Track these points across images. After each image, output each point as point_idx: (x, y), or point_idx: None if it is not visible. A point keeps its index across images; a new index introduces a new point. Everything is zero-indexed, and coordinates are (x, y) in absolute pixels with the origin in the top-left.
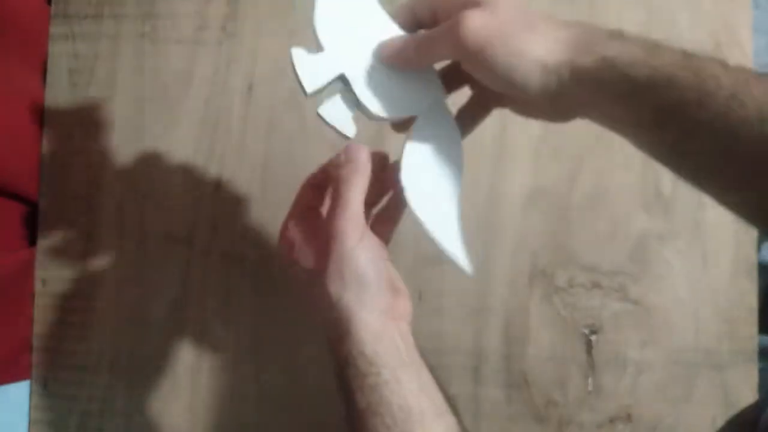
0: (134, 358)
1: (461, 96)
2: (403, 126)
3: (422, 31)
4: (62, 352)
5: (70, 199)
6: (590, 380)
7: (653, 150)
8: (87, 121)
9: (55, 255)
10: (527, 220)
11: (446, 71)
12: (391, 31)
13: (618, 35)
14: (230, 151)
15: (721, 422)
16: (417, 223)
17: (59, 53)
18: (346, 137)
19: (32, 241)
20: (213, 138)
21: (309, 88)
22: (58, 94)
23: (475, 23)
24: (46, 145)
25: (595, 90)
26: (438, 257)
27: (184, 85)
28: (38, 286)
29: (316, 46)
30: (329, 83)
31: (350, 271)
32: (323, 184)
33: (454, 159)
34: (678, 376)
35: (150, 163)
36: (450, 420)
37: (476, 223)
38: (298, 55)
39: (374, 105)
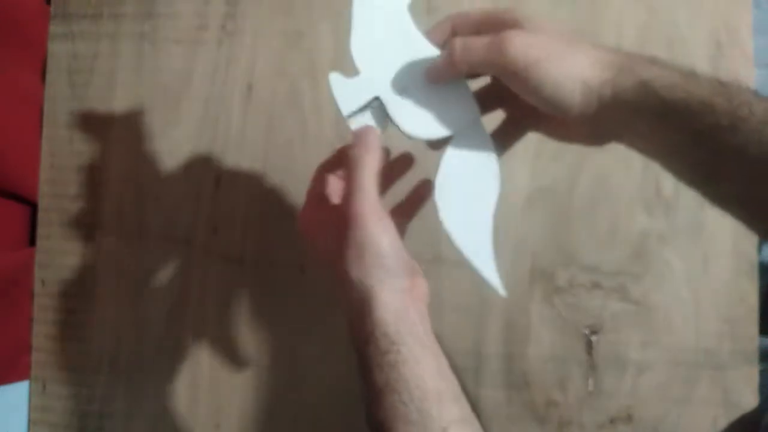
0: (134, 359)
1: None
2: (439, 144)
3: (460, 38)
4: (62, 353)
5: (69, 199)
6: (591, 381)
7: (685, 174)
8: (86, 121)
9: (54, 255)
10: (528, 221)
11: (481, 93)
12: (426, 51)
13: (656, 61)
14: (230, 150)
15: (722, 423)
16: (450, 241)
17: (59, 53)
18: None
19: (32, 241)
20: (212, 138)
21: (346, 111)
22: (58, 93)
23: (522, 42)
24: (45, 145)
25: (633, 111)
26: (438, 257)
27: (183, 84)
28: (38, 287)
29: (353, 70)
30: (365, 105)
31: (371, 254)
32: (337, 168)
33: (489, 179)
34: (679, 376)
35: (149, 163)
36: (465, 406)
37: None
38: (335, 79)
39: (409, 125)
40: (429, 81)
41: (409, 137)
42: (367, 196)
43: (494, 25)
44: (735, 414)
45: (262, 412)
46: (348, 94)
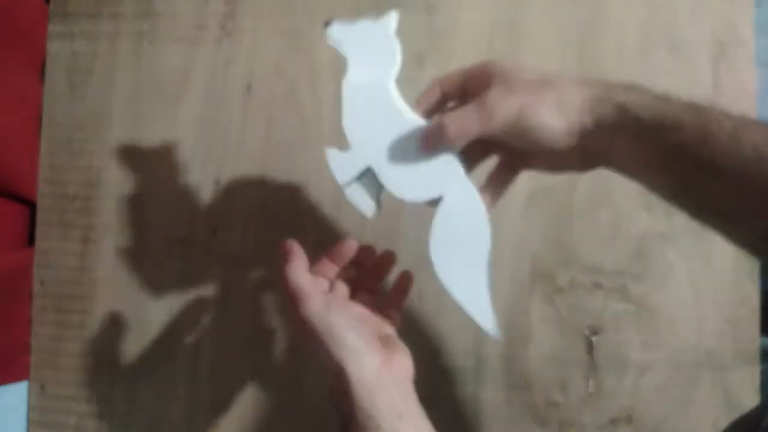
0: (133, 360)
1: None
2: (433, 203)
3: (439, 115)
4: (60, 353)
5: (68, 199)
6: (591, 381)
7: (665, 190)
8: (85, 121)
9: (53, 255)
10: (528, 221)
11: (471, 145)
12: (412, 121)
13: (630, 88)
14: (229, 150)
15: (722, 424)
16: (449, 294)
17: (58, 52)
18: (367, 217)
19: (30, 242)
20: (211, 137)
21: (341, 181)
22: (57, 93)
23: (504, 103)
24: (44, 145)
25: (613, 133)
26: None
27: (182, 84)
28: (37, 287)
29: (345, 142)
30: (358, 175)
31: (331, 342)
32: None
33: (480, 232)
34: (679, 377)
35: (148, 163)
36: None
37: None
38: (331, 153)
39: (399, 190)
40: (424, 152)
41: (401, 200)
42: (305, 300)
43: (475, 82)
44: (736, 415)
45: (261, 412)
46: (342, 165)
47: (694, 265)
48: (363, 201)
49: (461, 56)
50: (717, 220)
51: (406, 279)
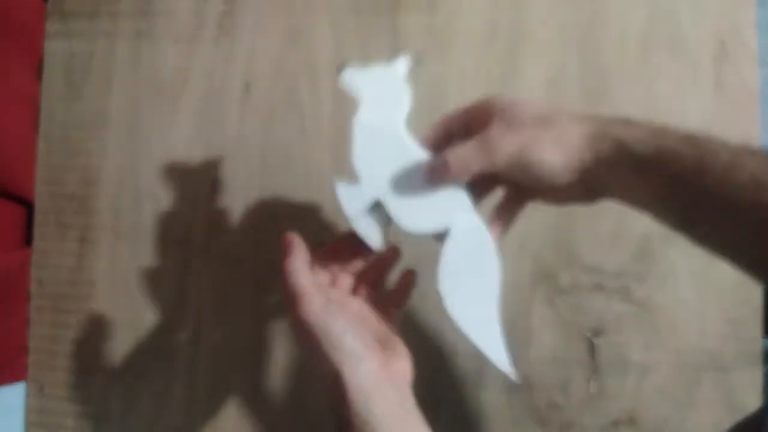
0: (130, 360)
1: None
2: (441, 236)
3: (449, 150)
4: (58, 354)
5: (65, 199)
6: (593, 383)
7: (669, 219)
8: (83, 120)
9: (51, 256)
10: (529, 221)
11: (477, 179)
12: (420, 155)
13: (628, 122)
14: (228, 150)
15: (725, 426)
16: (459, 329)
17: (55, 51)
18: (373, 249)
19: (28, 242)
20: (210, 137)
21: (350, 213)
22: (54, 92)
23: (504, 141)
24: (41, 145)
25: (613, 168)
26: (438, 256)
27: (180, 83)
28: (34, 287)
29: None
30: (367, 207)
31: (329, 344)
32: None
33: (490, 265)
34: (682, 378)
35: (146, 163)
36: None
37: None
38: (340, 186)
39: (407, 222)
40: (430, 186)
41: (409, 233)
42: (303, 299)
43: (477, 120)
44: (738, 417)
45: (260, 413)
46: (352, 198)
47: (696, 266)
48: (371, 233)
49: (461, 56)
50: (719, 249)
51: (408, 277)
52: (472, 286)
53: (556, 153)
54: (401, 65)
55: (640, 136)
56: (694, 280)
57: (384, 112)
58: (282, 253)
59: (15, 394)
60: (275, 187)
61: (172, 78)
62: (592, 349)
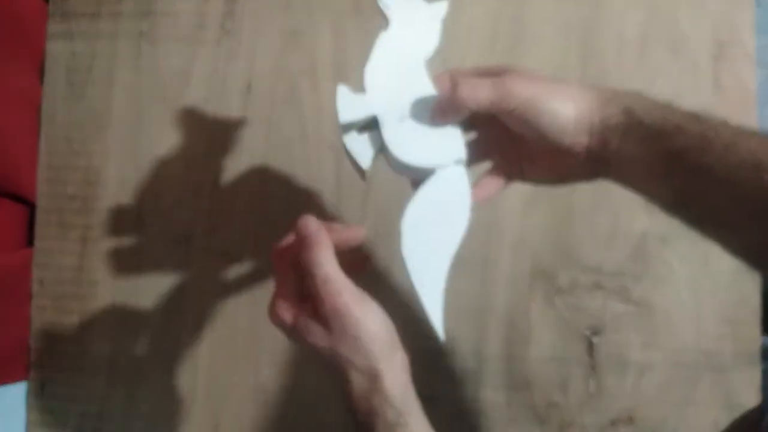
0: (132, 359)
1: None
2: (419, 183)
3: (462, 79)
4: (60, 353)
5: (67, 198)
6: (592, 382)
7: (664, 199)
8: (84, 121)
9: (52, 255)
10: (528, 221)
11: (481, 121)
12: (430, 88)
13: (636, 94)
14: (228, 150)
15: (723, 424)
16: (405, 272)
17: (57, 52)
18: (360, 170)
19: (30, 242)
20: (211, 137)
21: (342, 118)
22: (56, 93)
23: (522, 80)
24: (43, 145)
25: (617, 134)
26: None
27: (182, 84)
28: (35, 287)
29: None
30: (362, 120)
31: (368, 341)
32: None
33: (459, 219)
34: (680, 378)
35: (148, 163)
36: None
37: (477, 224)
38: (342, 90)
39: (399, 150)
40: (433, 118)
41: (394, 165)
42: (341, 286)
43: (491, 73)
44: (736, 415)
45: (260, 412)
46: (351, 105)
47: (695, 265)
48: (362, 152)
49: (463, 54)
50: (715, 230)
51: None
52: (435, 235)
53: (570, 106)
54: (441, 7)
55: (648, 107)
56: (692, 279)
57: (411, 40)
58: (301, 243)
59: (16, 394)
60: (276, 186)
61: (174, 78)
62: (590, 349)
